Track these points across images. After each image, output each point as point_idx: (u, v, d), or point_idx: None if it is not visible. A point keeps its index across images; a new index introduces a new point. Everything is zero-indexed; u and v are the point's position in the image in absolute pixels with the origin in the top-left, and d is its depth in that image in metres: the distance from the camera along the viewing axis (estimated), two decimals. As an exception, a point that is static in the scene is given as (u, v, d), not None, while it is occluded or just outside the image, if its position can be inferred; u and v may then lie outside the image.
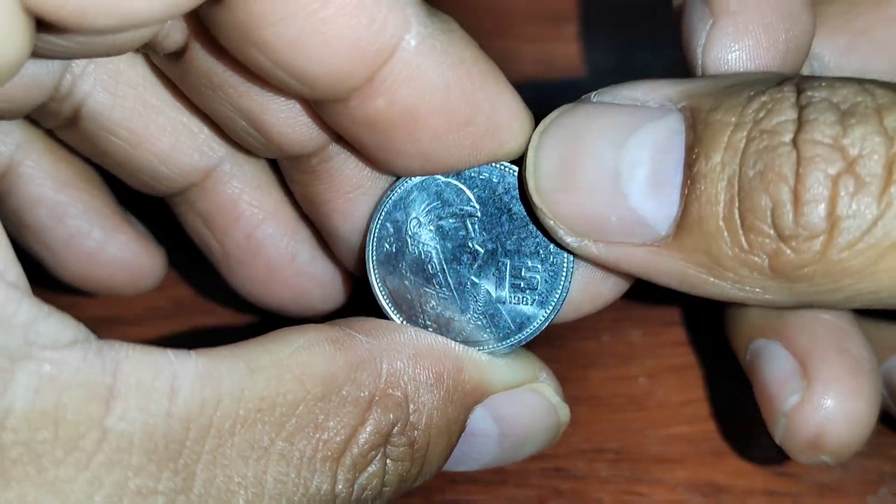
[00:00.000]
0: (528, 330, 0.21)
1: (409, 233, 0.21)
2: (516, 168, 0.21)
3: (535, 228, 0.21)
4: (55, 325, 0.17)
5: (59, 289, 0.29)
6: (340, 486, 0.19)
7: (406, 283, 0.21)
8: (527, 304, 0.21)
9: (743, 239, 0.18)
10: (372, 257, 0.22)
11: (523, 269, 0.21)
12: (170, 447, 0.17)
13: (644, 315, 0.30)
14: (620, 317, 0.30)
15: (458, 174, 0.21)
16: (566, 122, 0.20)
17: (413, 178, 0.21)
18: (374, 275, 0.22)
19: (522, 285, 0.21)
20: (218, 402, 0.17)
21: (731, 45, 0.20)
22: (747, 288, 0.19)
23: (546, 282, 0.21)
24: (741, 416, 0.28)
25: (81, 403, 0.16)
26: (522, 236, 0.21)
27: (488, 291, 0.21)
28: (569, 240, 0.20)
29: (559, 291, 0.21)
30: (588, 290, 0.22)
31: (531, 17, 0.37)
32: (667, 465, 0.27)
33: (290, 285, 0.25)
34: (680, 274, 0.19)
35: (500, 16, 0.37)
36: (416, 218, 0.21)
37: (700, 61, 0.21)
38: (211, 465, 0.17)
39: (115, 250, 0.26)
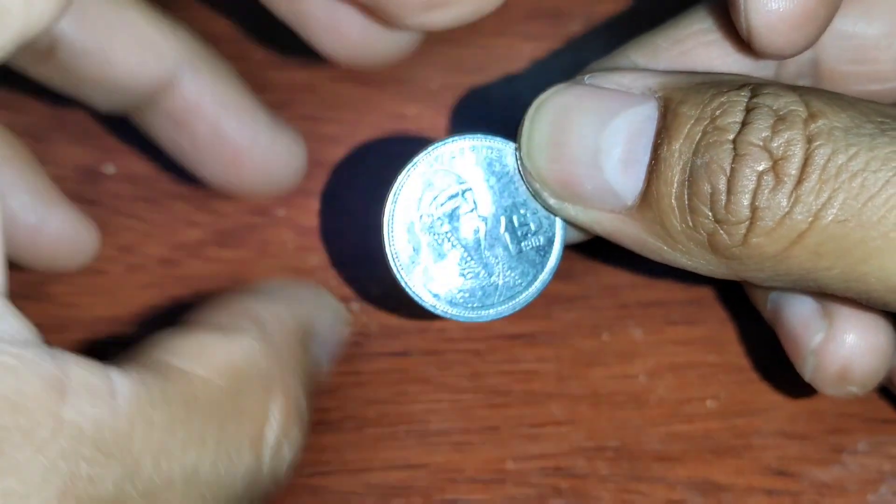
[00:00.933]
0: (550, 260, 0.24)
1: (421, 230, 0.23)
2: (486, 142, 0.23)
3: (518, 180, 0.23)
4: (15, 324, 0.19)
5: (59, 290, 0.29)
6: (266, 461, 0.20)
7: (436, 275, 0.23)
8: (538, 244, 0.24)
9: (689, 217, 0.21)
10: (398, 268, 0.23)
11: (526, 216, 0.24)
12: (118, 441, 0.18)
13: (645, 314, 0.30)
14: (622, 315, 0.30)
15: (439, 159, 0.23)
16: (559, 100, 0.23)
17: (402, 180, 0.23)
18: (407, 284, 0.24)
19: (532, 230, 0.24)
20: (151, 401, 0.19)
21: None
22: (694, 259, 0.22)
23: (546, 217, 0.24)
24: (741, 415, 0.28)
25: (39, 394, 0.18)
26: (512, 190, 0.24)
27: (505, 247, 0.24)
28: (551, 201, 0.23)
29: (558, 220, 0.24)
30: None
31: (531, 16, 0.37)
32: (667, 464, 0.27)
33: (255, 164, 0.28)
34: (641, 240, 0.22)
35: (499, 15, 0.37)
36: (420, 214, 0.23)
37: (743, 4, 0.22)
38: (155, 455, 0.18)
39: (55, 225, 0.28)
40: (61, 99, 0.33)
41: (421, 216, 0.23)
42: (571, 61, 0.35)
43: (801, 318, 0.24)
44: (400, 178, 0.23)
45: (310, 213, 0.31)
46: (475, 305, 0.24)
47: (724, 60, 0.24)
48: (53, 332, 0.28)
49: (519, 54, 0.35)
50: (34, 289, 0.29)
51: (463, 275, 0.24)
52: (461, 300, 0.24)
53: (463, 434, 0.27)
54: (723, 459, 0.27)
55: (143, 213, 0.31)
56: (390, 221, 0.23)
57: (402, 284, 0.24)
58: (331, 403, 0.28)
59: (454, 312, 0.24)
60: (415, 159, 0.23)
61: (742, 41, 0.23)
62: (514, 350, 0.29)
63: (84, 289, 0.29)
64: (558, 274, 0.30)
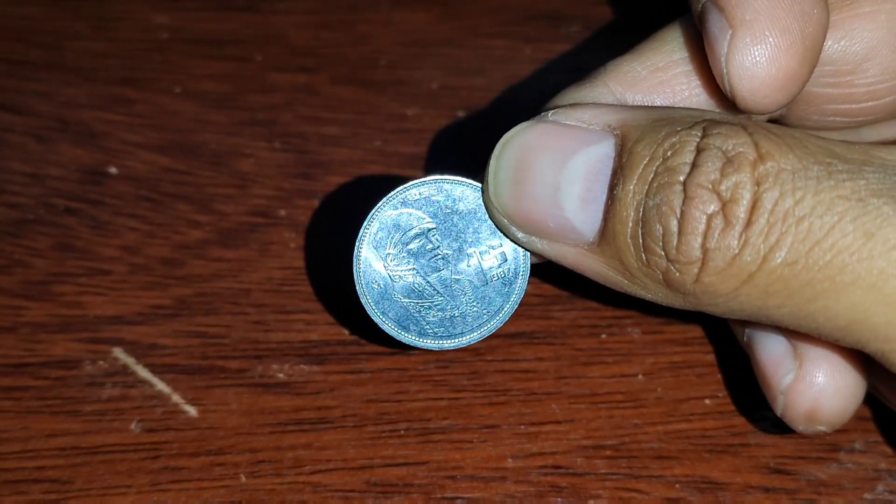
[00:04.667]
0: (514, 293, 0.25)
1: (388, 267, 0.25)
2: (448, 179, 0.25)
3: (482, 216, 0.25)
4: None
5: (62, 291, 0.29)
6: None
7: (404, 307, 0.25)
8: (506, 276, 0.25)
9: (643, 256, 0.22)
10: (368, 301, 0.25)
11: (489, 251, 0.25)
12: None
13: (643, 314, 0.30)
14: (620, 315, 0.30)
15: (403, 202, 0.25)
16: (522, 138, 0.23)
17: (369, 222, 0.25)
18: (376, 313, 0.25)
19: (495, 263, 0.25)
20: None
21: (750, 54, 0.22)
22: (652, 293, 0.22)
23: (513, 249, 0.25)
24: (738, 414, 0.28)
25: None
26: (475, 226, 0.25)
27: (470, 281, 0.25)
28: (519, 235, 0.24)
29: (523, 252, 0.25)
30: None
31: (530, 17, 0.37)
32: (665, 462, 0.27)
33: None
34: (603, 274, 0.23)
35: (500, 16, 0.37)
36: (388, 253, 0.25)
37: (725, 71, 0.23)
38: None
39: None
40: (66, 101, 0.34)
41: (388, 255, 0.25)
42: (570, 62, 0.35)
43: (772, 357, 0.25)
44: (368, 219, 0.25)
45: (310, 214, 0.31)
46: (443, 335, 0.25)
47: (703, 90, 0.25)
48: (57, 332, 0.29)
49: (519, 56, 0.36)
50: (38, 289, 0.29)
51: (430, 307, 0.25)
52: (430, 331, 0.25)
53: (462, 432, 0.27)
54: (720, 458, 0.27)
55: (145, 213, 0.31)
56: (358, 261, 0.25)
57: (373, 318, 0.25)
58: (331, 401, 0.28)
59: (423, 342, 0.25)
60: (381, 202, 0.25)
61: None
62: (513, 349, 0.29)
63: (87, 289, 0.29)
64: (558, 273, 0.30)
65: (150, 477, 0.26)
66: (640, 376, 0.29)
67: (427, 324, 0.25)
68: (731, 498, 0.27)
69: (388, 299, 0.25)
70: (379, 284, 0.25)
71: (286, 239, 0.31)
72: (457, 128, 0.34)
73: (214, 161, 0.32)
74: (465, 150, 0.33)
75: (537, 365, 0.29)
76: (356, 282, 0.25)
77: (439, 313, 0.25)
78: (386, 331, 0.25)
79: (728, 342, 0.29)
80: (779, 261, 0.20)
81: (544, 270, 0.30)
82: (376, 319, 0.25)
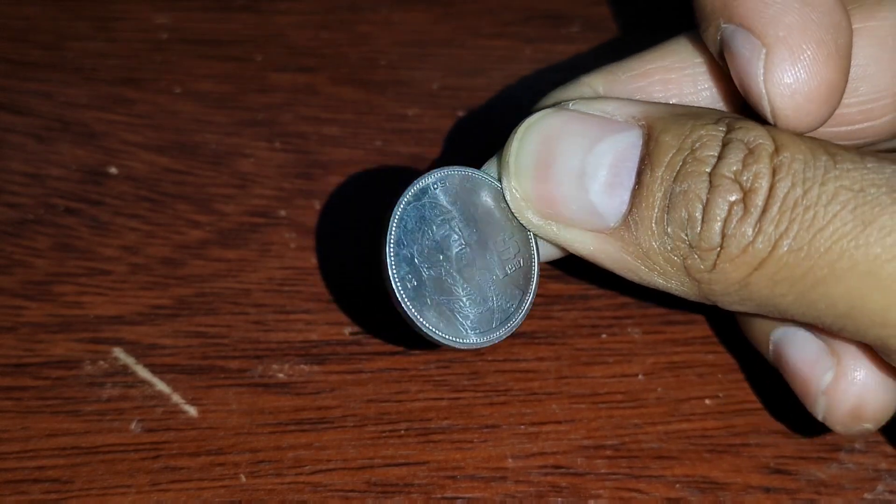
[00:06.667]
0: (533, 281, 0.25)
1: (418, 261, 0.24)
2: (466, 172, 0.24)
3: (496, 205, 0.24)
4: None
5: (62, 291, 0.29)
6: None
7: (439, 306, 0.24)
8: (519, 265, 0.25)
9: (667, 240, 0.22)
10: (404, 299, 0.23)
11: (502, 242, 0.24)
12: None
13: (644, 314, 0.30)
14: (620, 315, 0.30)
15: (424, 192, 0.24)
16: (548, 122, 0.23)
17: (395, 215, 0.23)
18: (411, 312, 0.23)
19: (509, 254, 0.24)
20: None
21: (790, 69, 0.22)
22: (669, 280, 0.23)
23: (521, 241, 0.24)
24: (739, 414, 0.28)
25: None
26: (490, 216, 0.24)
27: (494, 274, 0.24)
28: (534, 219, 0.24)
29: (532, 242, 0.25)
30: None
31: (530, 18, 0.37)
32: (665, 462, 0.27)
33: None
34: (620, 260, 0.23)
35: (500, 16, 0.37)
36: (417, 245, 0.24)
37: (763, 90, 0.22)
38: None
39: None
40: (66, 101, 0.34)
41: (420, 249, 0.24)
42: (570, 62, 0.35)
43: (807, 358, 0.25)
44: (393, 213, 0.23)
45: (310, 214, 0.31)
46: (482, 330, 0.24)
47: (678, 98, 0.25)
48: (57, 332, 0.29)
49: (519, 56, 0.36)
50: (38, 289, 0.29)
51: (463, 304, 0.24)
52: (468, 328, 0.24)
53: (463, 432, 0.27)
54: (721, 458, 0.27)
55: (145, 213, 0.31)
56: (390, 258, 0.23)
57: (415, 322, 0.23)
58: (332, 401, 0.28)
59: (461, 343, 0.24)
60: (404, 194, 0.24)
61: (706, 79, 0.25)
62: (513, 349, 0.29)
63: (88, 289, 0.29)
64: (557, 274, 0.30)
65: (150, 477, 0.26)
66: (640, 376, 0.29)
67: (461, 322, 0.24)
68: (732, 498, 0.27)
69: (422, 296, 0.23)
70: (412, 280, 0.23)
71: (286, 239, 0.31)
72: (457, 128, 0.34)
73: (214, 161, 0.32)
74: (465, 150, 0.33)
75: (538, 365, 0.29)
76: (391, 281, 0.23)
77: (473, 308, 0.24)
78: (422, 333, 0.23)
79: (729, 342, 0.29)
80: (786, 248, 0.21)
81: (547, 269, 0.30)
82: (412, 318, 0.23)
